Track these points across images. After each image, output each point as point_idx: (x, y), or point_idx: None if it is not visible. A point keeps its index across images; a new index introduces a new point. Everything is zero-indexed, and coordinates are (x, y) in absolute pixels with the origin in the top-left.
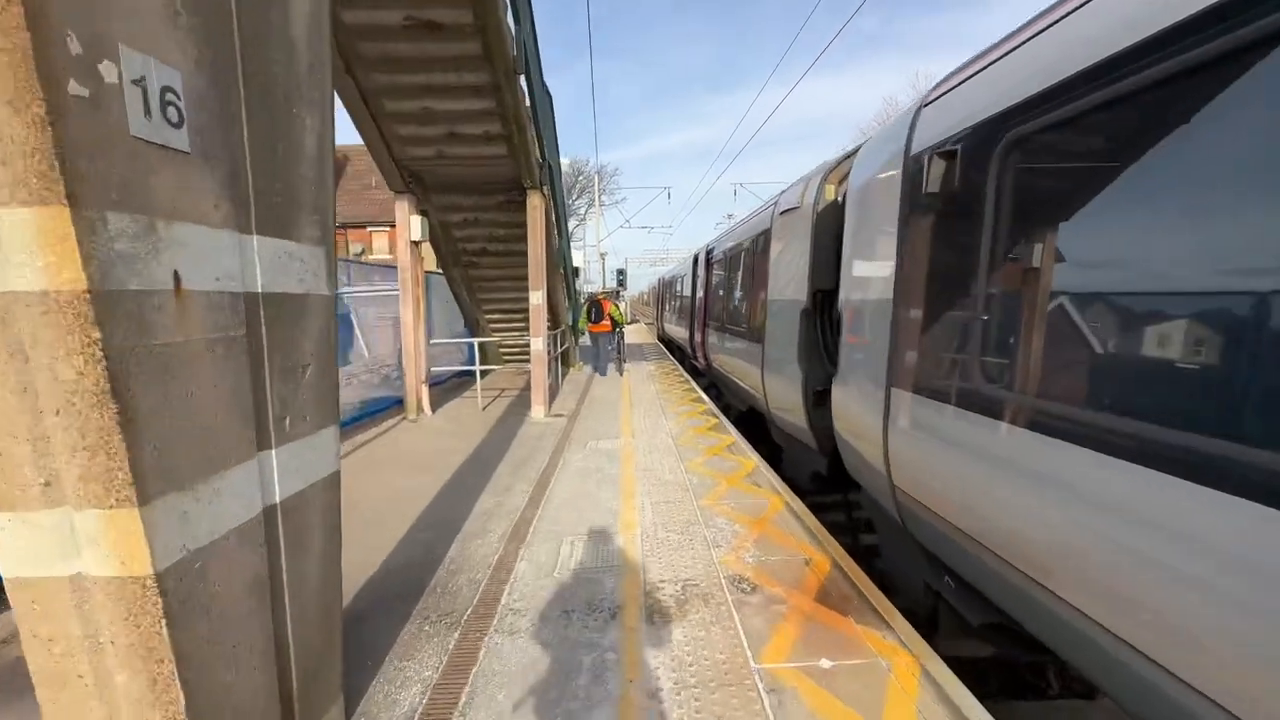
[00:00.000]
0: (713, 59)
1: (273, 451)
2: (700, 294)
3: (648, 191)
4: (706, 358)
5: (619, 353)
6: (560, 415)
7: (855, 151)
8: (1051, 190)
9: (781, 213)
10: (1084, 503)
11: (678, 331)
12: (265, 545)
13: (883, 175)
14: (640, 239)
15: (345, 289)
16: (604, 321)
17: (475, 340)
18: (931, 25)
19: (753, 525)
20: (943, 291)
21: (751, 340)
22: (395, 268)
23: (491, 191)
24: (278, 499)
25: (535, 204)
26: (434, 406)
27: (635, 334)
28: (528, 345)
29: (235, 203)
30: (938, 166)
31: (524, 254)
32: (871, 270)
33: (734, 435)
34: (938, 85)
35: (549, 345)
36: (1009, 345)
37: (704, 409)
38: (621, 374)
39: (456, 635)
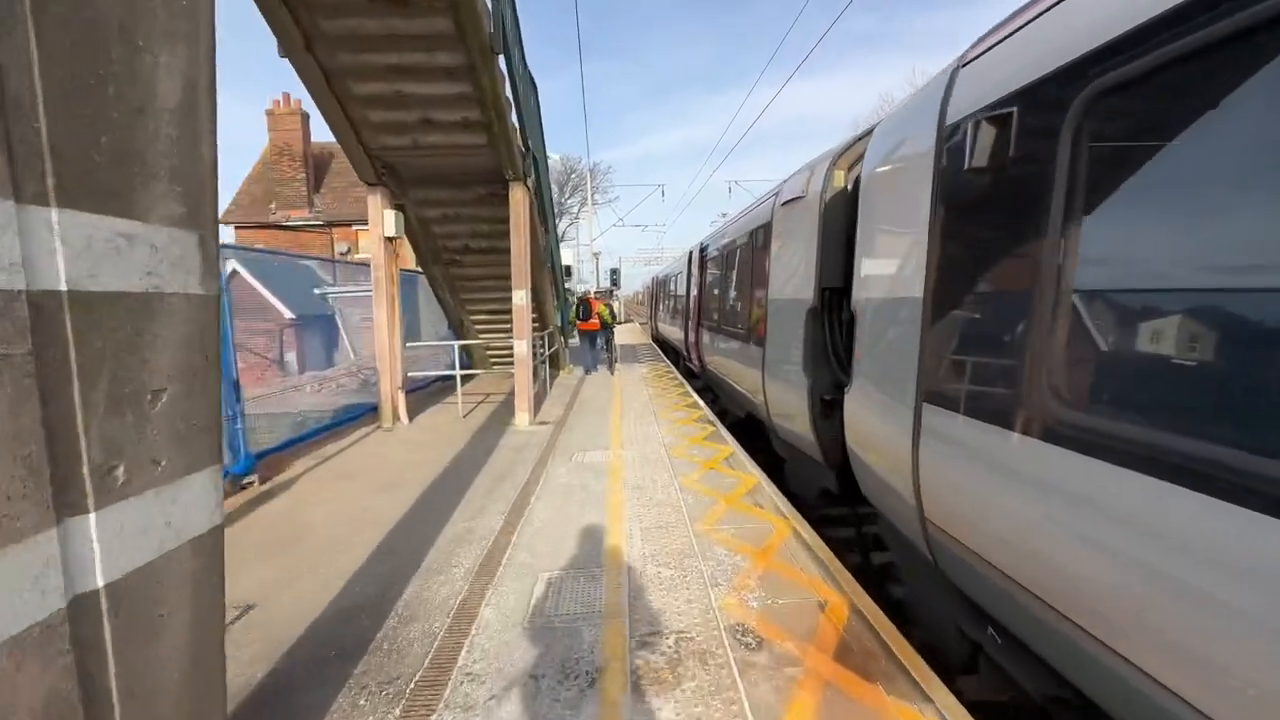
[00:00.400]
0: (711, 58)
1: (91, 516)
2: (695, 293)
3: (641, 189)
4: (701, 360)
5: (609, 351)
6: (546, 423)
7: (869, 132)
8: (1148, 154)
9: (784, 203)
10: (1202, 561)
11: (672, 332)
12: (74, 650)
13: (907, 152)
14: (635, 237)
15: (331, 289)
16: (592, 319)
17: (456, 343)
18: (930, 23)
19: (756, 557)
20: (997, 289)
21: (750, 342)
22: None
23: (472, 184)
24: (100, 581)
25: (518, 197)
26: (412, 414)
27: (629, 334)
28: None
29: (12, 160)
30: (986, 135)
31: (509, 251)
32: (894, 265)
33: (732, 445)
34: (983, 38)
35: (535, 348)
36: (1096, 356)
37: (699, 415)
38: (613, 373)
39: (398, 712)
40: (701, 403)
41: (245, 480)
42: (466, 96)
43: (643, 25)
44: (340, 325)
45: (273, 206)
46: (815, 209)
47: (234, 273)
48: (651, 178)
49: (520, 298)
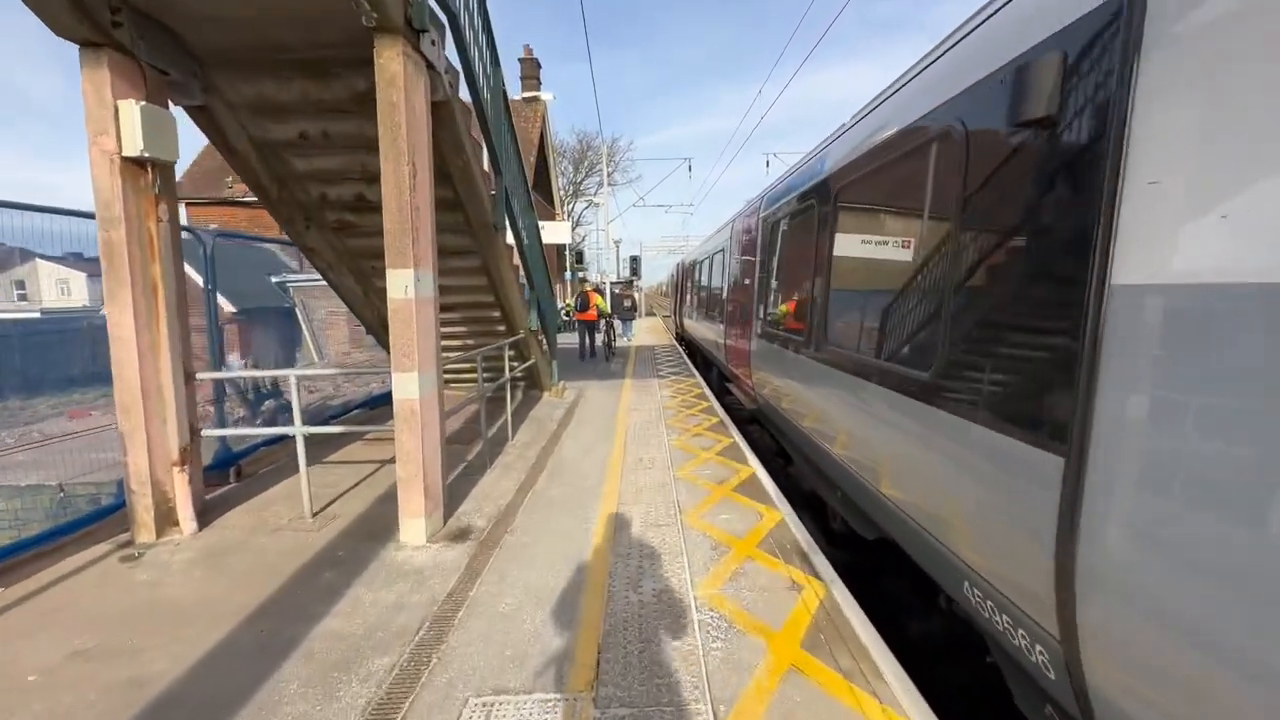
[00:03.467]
0: (741, 47)
1: None
2: (750, 278)
3: (667, 163)
4: (760, 392)
5: (610, 341)
6: (465, 535)
7: None
8: None
9: None
10: None
11: (701, 332)
12: None
13: None
14: (658, 223)
15: (292, 278)
16: (590, 310)
17: (295, 372)
18: (960, 8)
19: None
20: None
21: (1013, 432)
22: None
23: (338, 66)
24: None
25: (393, 67)
26: (240, 496)
27: (650, 333)
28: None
29: None
30: None
31: (453, 207)
32: None
33: (909, 703)
34: None
35: (483, 377)
36: None
37: (776, 523)
38: (608, 360)
39: None
40: (768, 482)
41: None
42: None
43: (660, 13)
44: (303, 321)
45: (229, 180)
46: None
47: None
48: (673, 163)
49: (403, 284)
